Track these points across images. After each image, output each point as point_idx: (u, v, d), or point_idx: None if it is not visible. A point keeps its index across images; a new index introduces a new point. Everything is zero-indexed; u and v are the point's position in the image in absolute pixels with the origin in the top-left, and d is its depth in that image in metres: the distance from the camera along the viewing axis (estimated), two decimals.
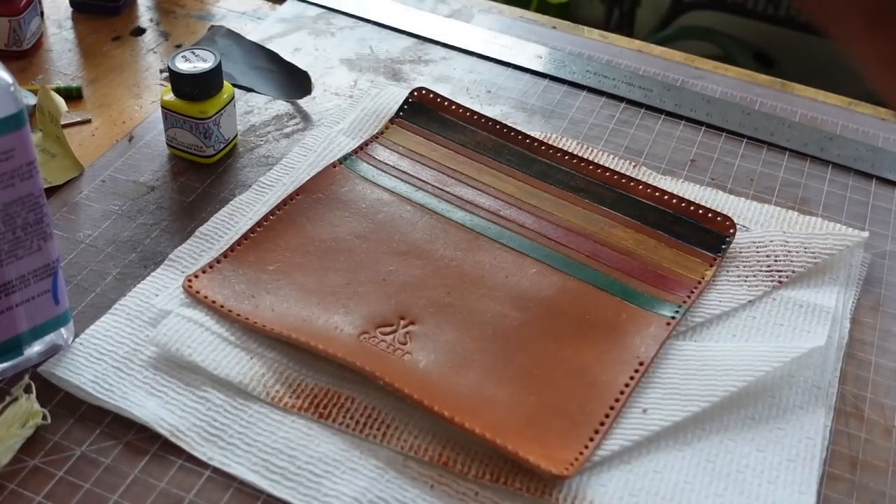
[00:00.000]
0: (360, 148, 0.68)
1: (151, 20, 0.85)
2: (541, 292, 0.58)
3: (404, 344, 0.54)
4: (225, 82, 0.67)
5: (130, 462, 0.49)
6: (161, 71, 0.78)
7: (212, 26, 0.83)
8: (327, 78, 0.78)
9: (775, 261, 0.61)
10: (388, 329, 0.55)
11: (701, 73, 0.82)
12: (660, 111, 0.77)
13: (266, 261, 0.59)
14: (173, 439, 0.50)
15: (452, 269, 0.59)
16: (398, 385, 0.51)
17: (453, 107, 0.71)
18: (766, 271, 0.61)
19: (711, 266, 0.61)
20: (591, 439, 0.50)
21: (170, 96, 0.66)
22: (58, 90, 0.73)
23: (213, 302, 0.56)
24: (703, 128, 0.76)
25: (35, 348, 0.53)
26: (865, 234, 0.64)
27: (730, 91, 0.80)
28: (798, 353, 0.54)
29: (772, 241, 0.62)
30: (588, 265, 0.60)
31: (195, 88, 0.65)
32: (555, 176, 0.67)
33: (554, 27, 0.88)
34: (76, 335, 0.55)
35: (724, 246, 0.62)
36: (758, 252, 0.62)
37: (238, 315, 0.55)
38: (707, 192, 0.68)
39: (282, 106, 0.75)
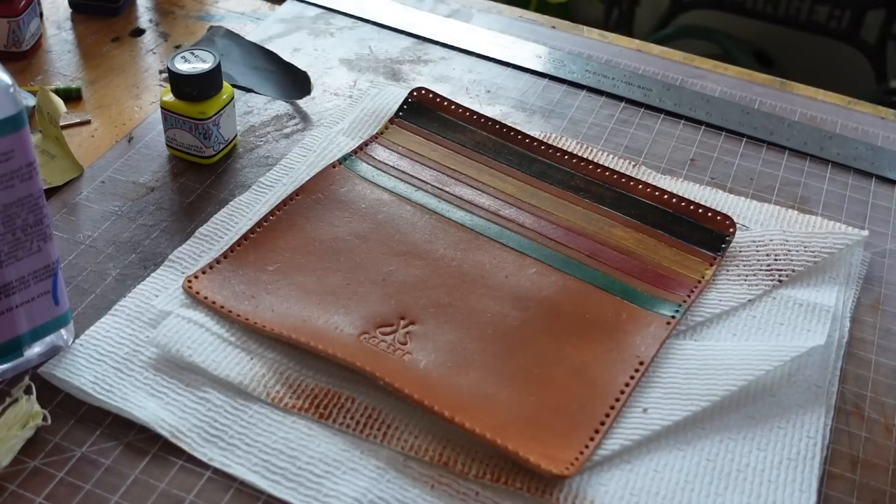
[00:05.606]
0: (360, 148, 0.68)
1: (151, 21, 0.85)
2: (541, 292, 0.58)
3: (404, 344, 0.54)
4: (224, 83, 0.67)
5: (131, 463, 0.49)
6: (160, 71, 0.78)
7: (211, 27, 0.83)
8: (327, 78, 0.78)
9: (775, 260, 0.61)
10: (388, 329, 0.55)
11: (700, 73, 0.82)
12: (659, 110, 0.77)
13: (266, 261, 0.59)
14: (174, 440, 0.50)
15: (452, 268, 0.59)
16: (398, 385, 0.51)
17: (453, 107, 0.71)
18: (766, 270, 0.61)
19: (711, 265, 0.61)
20: (592, 439, 0.50)
21: (169, 97, 0.66)
22: (57, 91, 0.73)
23: (213, 302, 0.56)
24: (703, 127, 0.76)
25: (35, 349, 0.53)
26: (865, 232, 0.64)
27: (729, 90, 0.80)
28: (798, 351, 0.54)
29: (772, 241, 0.62)
30: (588, 265, 0.60)
31: (195, 89, 0.65)
32: (554, 176, 0.67)
33: (553, 27, 0.88)
34: (76, 336, 0.55)
35: (723, 245, 0.62)
36: (758, 251, 0.62)
37: (238, 315, 0.55)
38: (707, 191, 0.68)
39: (281, 106, 0.75)
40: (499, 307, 0.57)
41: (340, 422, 0.51)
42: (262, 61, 0.78)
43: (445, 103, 0.72)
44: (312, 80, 0.76)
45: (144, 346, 0.54)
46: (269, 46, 0.80)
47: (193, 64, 0.65)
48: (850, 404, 0.55)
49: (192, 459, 0.49)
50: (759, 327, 0.58)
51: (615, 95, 0.78)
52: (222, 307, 0.55)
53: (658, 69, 0.82)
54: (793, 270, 0.61)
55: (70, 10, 0.85)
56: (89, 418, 0.51)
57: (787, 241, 0.62)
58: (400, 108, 0.71)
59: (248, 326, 0.54)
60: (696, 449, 0.51)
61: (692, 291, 0.59)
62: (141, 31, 0.83)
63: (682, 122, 0.76)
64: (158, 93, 0.76)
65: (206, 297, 0.56)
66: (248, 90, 0.76)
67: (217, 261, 0.59)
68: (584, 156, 0.69)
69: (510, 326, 0.56)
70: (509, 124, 0.70)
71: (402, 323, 0.56)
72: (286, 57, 0.78)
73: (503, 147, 0.69)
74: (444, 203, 0.64)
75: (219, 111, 0.66)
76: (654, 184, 0.66)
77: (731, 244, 0.62)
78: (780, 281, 0.60)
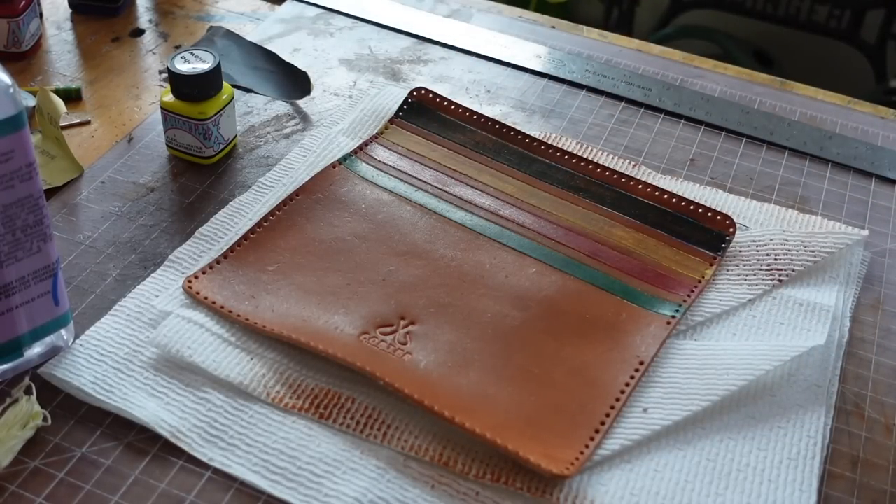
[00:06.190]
0: (360, 148, 0.68)
1: (150, 21, 0.85)
2: (541, 292, 0.58)
3: (404, 344, 0.54)
4: (224, 83, 0.67)
5: (131, 463, 0.49)
6: (160, 72, 0.78)
7: (211, 27, 0.83)
8: (326, 78, 0.78)
9: (775, 259, 0.61)
10: (388, 329, 0.55)
11: (700, 72, 0.82)
12: (659, 110, 0.77)
13: (266, 261, 0.59)
14: (174, 440, 0.50)
15: (452, 268, 0.59)
16: (398, 385, 0.51)
17: (453, 107, 0.71)
18: (766, 270, 0.61)
19: (711, 265, 0.61)
20: (592, 439, 0.50)
21: (169, 97, 0.66)
22: (57, 91, 0.73)
23: (214, 303, 0.56)
24: (703, 127, 0.76)
25: (35, 350, 0.53)
26: (865, 232, 0.64)
27: (729, 90, 0.80)
28: (798, 351, 0.54)
29: (772, 240, 0.62)
30: (588, 265, 0.60)
31: (194, 89, 0.65)
32: (554, 175, 0.67)
33: (553, 27, 0.88)
34: (76, 336, 0.55)
35: (723, 245, 0.62)
36: (758, 251, 0.62)
37: (238, 315, 0.55)
38: (707, 191, 0.68)
39: (281, 106, 0.75)
40: (499, 307, 0.57)
41: (340, 422, 0.51)
42: (262, 61, 0.78)
43: (445, 103, 0.72)
44: (312, 81, 0.76)
45: (144, 346, 0.54)
46: (269, 46, 0.80)
47: (193, 64, 0.65)
48: (850, 404, 0.55)
49: (192, 459, 0.49)
50: (759, 327, 0.58)
51: (615, 95, 0.78)
52: (222, 307, 0.55)
53: (658, 69, 0.82)
54: (793, 270, 0.61)
55: (70, 11, 0.85)
56: (89, 418, 0.51)
57: (787, 240, 0.62)
58: (400, 108, 0.71)
59: (248, 326, 0.55)
60: (696, 449, 0.51)
61: (692, 291, 0.59)
62: (141, 32, 0.83)
63: (682, 121, 0.76)
64: (158, 93, 0.76)
65: (206, 298, 0.56)
66: (248, 90, 0.76)
67: (217, 261, 0.59)
68: (584, 156, 0.69)
69: (510, 326, 0.56)
70: (509, 124, 0.70)
71: (402, 323, 0.56)
72: (286, 57, 0.78)
73: (503, 147, 0.69)
74: (444, 203, 0.64)
75: (219, 111, 0.66)
76: (654, 184, 0.66)
77: (731, 244, 0.62)
78: (780, 281, 0.60)
